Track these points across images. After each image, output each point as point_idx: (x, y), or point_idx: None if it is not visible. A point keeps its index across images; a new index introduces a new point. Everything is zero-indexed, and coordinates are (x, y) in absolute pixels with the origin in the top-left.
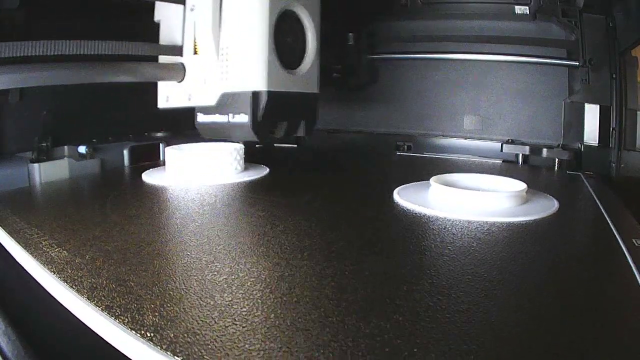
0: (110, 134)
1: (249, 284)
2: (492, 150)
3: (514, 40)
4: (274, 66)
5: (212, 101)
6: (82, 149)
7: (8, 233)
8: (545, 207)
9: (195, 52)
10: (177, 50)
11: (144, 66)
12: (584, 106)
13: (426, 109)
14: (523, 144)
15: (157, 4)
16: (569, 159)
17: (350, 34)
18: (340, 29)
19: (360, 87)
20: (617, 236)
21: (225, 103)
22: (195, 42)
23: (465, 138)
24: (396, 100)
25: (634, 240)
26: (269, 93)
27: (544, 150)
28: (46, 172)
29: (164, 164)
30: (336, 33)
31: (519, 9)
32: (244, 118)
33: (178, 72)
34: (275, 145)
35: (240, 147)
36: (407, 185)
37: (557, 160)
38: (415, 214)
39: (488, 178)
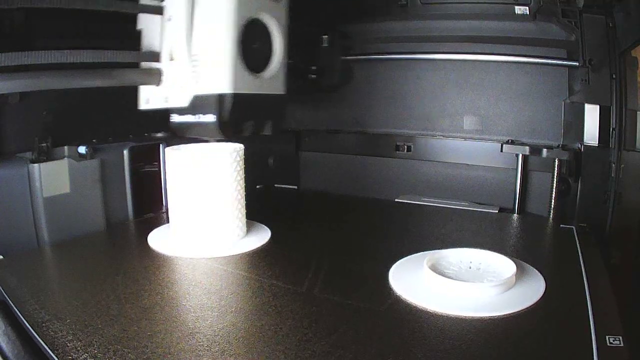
0: (110, 134)
1: None
2: (492, 151)
3: (514, 40)
4: (239, 70)
5: (185, 103)
6: (82, 149)
7: (31, 326)
8: (531, 292)
9: (172, 59)
10: (156, 56)
11: (125, 71)
12: (584, 106)
13: (426, 109)
14: (523, 144)
15: (140, 14)
16: (569, 159)
17: None
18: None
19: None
20: (592, 331)
21: (196, 104)
22: (171, 49)
23: (465, 139)
24: (395, 100)
25: (607, 338)
26: (234, 95)
27: (544, 151)
28: (46, 173)
29: (167, 221)
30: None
31: (519, 9)
32: (211, 118)
33: (156, 77)
34: (275, 185)
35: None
36: (403, 261)
37: (556, 161)
38: (406, 305)
39: (480, 255)
